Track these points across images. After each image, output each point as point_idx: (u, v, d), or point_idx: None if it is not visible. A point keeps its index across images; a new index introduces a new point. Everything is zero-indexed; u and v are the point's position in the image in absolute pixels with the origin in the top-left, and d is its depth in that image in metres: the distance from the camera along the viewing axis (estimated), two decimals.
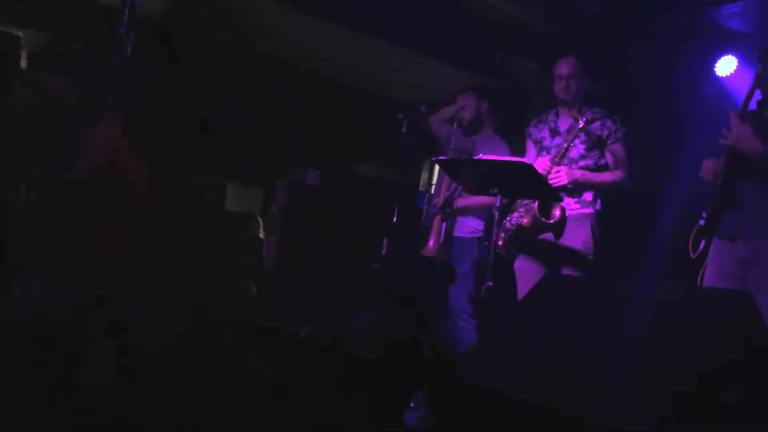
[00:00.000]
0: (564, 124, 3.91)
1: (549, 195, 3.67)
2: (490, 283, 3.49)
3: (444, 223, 4.26)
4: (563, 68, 3.89)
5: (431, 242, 4.19)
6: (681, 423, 1.98)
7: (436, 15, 5.15)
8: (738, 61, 4.64)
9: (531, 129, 4.05)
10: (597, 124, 3.82)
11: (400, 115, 4.36)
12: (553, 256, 3.80)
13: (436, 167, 5.27)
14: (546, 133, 3.96)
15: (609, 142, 3.81)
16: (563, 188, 3.73)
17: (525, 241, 3.81)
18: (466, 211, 4.26)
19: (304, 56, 5.69)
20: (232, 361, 2.35)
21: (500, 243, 3.79)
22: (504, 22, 5.27)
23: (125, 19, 4.22)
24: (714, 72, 4.71)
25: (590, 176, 3.79)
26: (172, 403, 2.04)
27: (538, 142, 3.98)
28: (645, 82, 4.67)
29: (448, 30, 5.29)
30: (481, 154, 3.88)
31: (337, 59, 5.68)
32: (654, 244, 3.82)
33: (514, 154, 4.28)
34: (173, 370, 2.30)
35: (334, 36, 5.32)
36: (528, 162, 3.56)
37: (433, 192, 4.64)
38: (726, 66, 4.68)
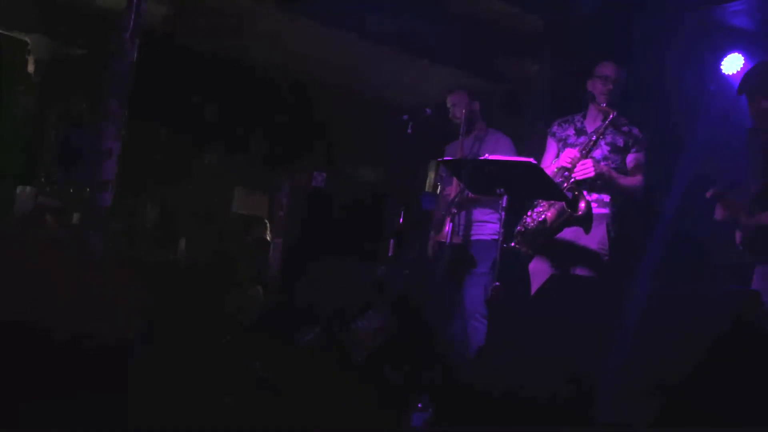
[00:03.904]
0: (591, 126, 3.88)
1: (555, 195, 3.64)
2: (498, 284, 3.47)
3: (450, 223, 4.25)
4: (608, 70, 3.84)
5: (447, 228, 4.17)
6: (686, 420, 1.97)
7: (437, 17, 5.15)
8: (744, 59, 4.61)
9: (555, 128, 4.01)
10: (624, 129, 3.82)
11: (405, 117, 4.35)
12: (568, 255, 3.77)
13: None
14: (571, 131, 3.93)
15: (633, 150, 3.81)
16: (586, 182, 3.70)
17: (548, 235, 3.76)
18: (477, 202, 4.24)
19: (309, 62, 5.70)
20: (236, 362, 2.36)
21: (519, 240, 3.77)
22: (505, 23, 5.26)
23: (130, 24, 4.25)
24: (720, 70, 4.69)
25: (615, 175, 3.75)
26: (177, 402, 2.04)
27: (562, 140, 3.94)
28: (651, 81, 4.64)
29: (452, 32, 5.29)
30: (484, 153, 3.86)
31: (341, 64, 5.70)
32: (659, 241, 3.80)
33: (517, 149, 4.27)
34: (179, 369, 2.30)
35: (338, 41, 5.33)
36: (533, 161, 3.53)
37: (442, 190, 4.60)
38: (732, 64, 4.65)
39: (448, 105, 4.43)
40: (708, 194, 3.18)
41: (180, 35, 5.28)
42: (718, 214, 3.29)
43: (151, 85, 4.43)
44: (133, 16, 4.27)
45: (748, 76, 3.27)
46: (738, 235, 3.29)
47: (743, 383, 1.99)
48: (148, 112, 4.69)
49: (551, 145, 4.01)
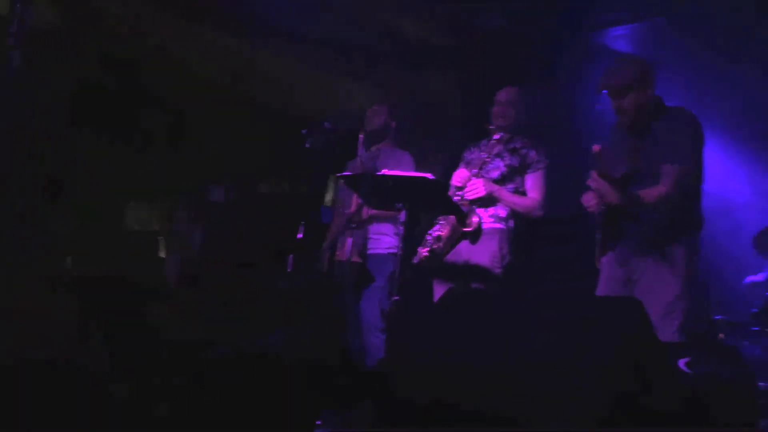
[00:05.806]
0: (492, 148, 4.04)
1: (452, 209, 3.77)
2: (397, 298, 3.54)
3: (350, 239, 4.28)
4: (502, 95, 4.07)
5: (348, 244, 4.21)
6: (584, 426, 2.06)
7: (342, 32, 5.19)
8: None
9: (465, 153, 4.22)
10: (522, 152, 4.01)
11: (304, 131, 4.35)
12: (463, 270, 3.93)
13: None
14: (476, 155, 4.10)
15: (529, 170, 3.99)
16: (478, 200, 3.87)
17: (446, 251, 3.92)
18: (377, 218, 4.29)
19: (208, 71, 5.60)
20: (141, 381, 2.28)
21: (424, 255, 3.90)
22: (408, 39, 5.37)
23: (14, 30, 4.06)
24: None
25: (505, 193, 3.95)
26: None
27: (468, 163, 4.11)
28: (549, 100, 4.86)
29: (355, 47, 5.35)
30: (385, 169, 3.94)
31: (241, 74, 5.63)
32: (551, 256, 3.97)
33: (417, 166, 4.36)
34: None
35: (238, 50, 5.28)
36: (431, 176, 3.63)
37: (341, 205, 4.62)
38: None
39: (368, 115, 4.47)
40: (594, 148, 3.24)
41: (70, 40, 5.08)
42: (586, 199, 3.37)
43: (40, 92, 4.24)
44: (17, 22, 4.09)
45: (605, 76, 3.44)
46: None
47: (630, 388, 2.10)
48: (37, 121, 4.48)
49: (460, 168, 4.17)
